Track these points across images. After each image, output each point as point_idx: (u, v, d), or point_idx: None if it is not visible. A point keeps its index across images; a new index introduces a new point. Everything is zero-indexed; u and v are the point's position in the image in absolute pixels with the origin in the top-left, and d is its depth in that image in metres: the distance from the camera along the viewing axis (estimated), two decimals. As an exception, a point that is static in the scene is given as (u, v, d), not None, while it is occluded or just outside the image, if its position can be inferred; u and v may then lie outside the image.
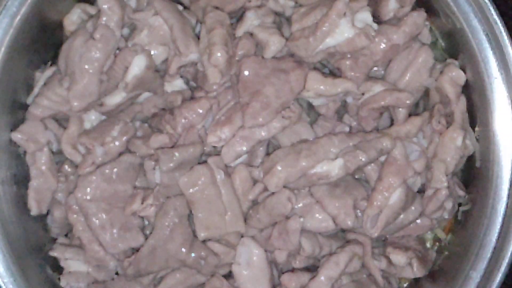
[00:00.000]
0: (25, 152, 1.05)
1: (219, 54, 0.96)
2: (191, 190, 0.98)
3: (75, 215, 1.02)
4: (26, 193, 1.04)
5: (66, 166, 1.05)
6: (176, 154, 0.97)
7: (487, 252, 0.98)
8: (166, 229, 0.98)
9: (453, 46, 1.06)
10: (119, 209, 1.01)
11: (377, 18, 1.02)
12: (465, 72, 1.03)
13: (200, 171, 0.98)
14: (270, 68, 0.98)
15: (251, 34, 1.02)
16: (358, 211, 1.00)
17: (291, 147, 0.98)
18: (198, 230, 0.98)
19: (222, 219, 0.98)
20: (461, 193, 1.06)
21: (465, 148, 1.03)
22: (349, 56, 1.01)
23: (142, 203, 1.00)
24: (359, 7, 0.99)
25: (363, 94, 1.03)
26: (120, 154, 1.02)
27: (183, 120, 1.00)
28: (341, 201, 0.98)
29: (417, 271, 1.04)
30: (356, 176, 1.04)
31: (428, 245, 1.12)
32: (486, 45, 0.98)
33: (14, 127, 1.03)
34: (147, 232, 1.04)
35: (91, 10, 1.07)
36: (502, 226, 0.98)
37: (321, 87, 0.99)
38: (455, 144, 1.01)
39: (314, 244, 0.99)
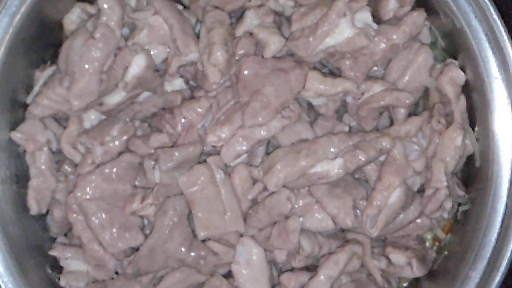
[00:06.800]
0: (24, 152, 1.05)
1: (219, 54, 0.96)
2: (190, 190, 0.98)
3: (74, 215, 1.02)
4: (26, 193, 1.04)
5: (66, 166, 1.05)
6: (176, 153, 0.97)
7: (487, 252, 0.98)
8: (166, 228, 0.98)
9: (453, 46, 1.06)
10: (119, 208, 1.01)
11: (377, 18, 1.02)
12: (465, 72, 1.03)
13: (200, 170, 0.98)
14: (269, 68, 0.98)
15: (251, 34, 1.02)
16: (358, 210, 1.00)
17: (290, 146, 0.98)
18: (197, 229, 0.98)
19: (221, 219, 0.98)
20: (461, 193, 1.06)
21: (464, 148, 1.03)
22: (348, 56, 1.01)
23: (141, 203, 1.00)
24: (359, 7, 0.99)
25: (362, 93, 1.03)
26: (120, 153, 1.02)
27: (182, 120, 1.00)
28: (341, 200, 0.98)
29: (416, 270, 1.04)
30: (356, 176, 1.04)
31: (427, 245, 1.12)
32: (486, 45, 0.98)
33: (13, 126, 1.03)
34: (147, 231, 1.03)
35: (91, 9, 1.08)
36: (501, 226, 0.98)
37: (321, 86, 0.99)
38: (454, 144, 1.01)
39: (313, 243, 0.99)
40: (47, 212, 1.07)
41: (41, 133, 1.03)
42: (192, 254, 0.99)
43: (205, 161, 0.99)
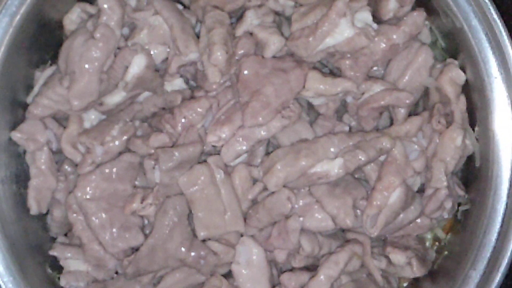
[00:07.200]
0: (24, 151, 1.05)
1: (219, 54, 0.96)
2: (190, 190, 0.98)
3: (74, 214, 1.02)
4: (26, 192, 1.04)
5: (66, 166, 1.05)
6: (176, 153, 0.97)
7: (487, 252, 0.98)
8: (166, 228, 0.98)
9: (453, 46, 1.06)
10: (119, 208, 1.01)
11: (377, 18, 1.02)
12: (465, 72, 1.03)
13: (200, 170, 0.98)
14: (270, 68, 0.99)
15: (251, 34, 1.02)
16: (358, 210, 1.00)
17: (290, 146, 0.98)
18: (197, 229, 0.98)
19: (221, 219, 0.98)
20: (461, 192, 1.06)
21: (464, 148, 1.03)
22: (349, 55, 1.01)
23: (141, 203, 1.00)
24: (359, 6, 0.99)
25: (362, 93, 1.03)
26: (120, 153, 1.02)
27: (183, 120, 1.00)
28: (341, 200, 0.98)
29: (416, 270, 1.04)
30: (356, 176, 1.04)
31: (427, 244, 1.12)
32: (486, 45, 0.98)
33: (14, 126, 1.03)
34: (147, 231, 1.03)
35: (91, 9, 1.07)
36: (501, 225, 0.98)
37: (321, 86, 0.99)
38: (454, 143, 1.01)
39: (313, 243, 0.99)
40: (47, 212, 1.07)
41: (41, 133, 1.03)
42: (192, 254, 0.99)
43: (205, 161, 0.99)
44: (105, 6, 0.98)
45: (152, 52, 1.02)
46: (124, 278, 1.03)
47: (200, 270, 1.00)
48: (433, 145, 1.03)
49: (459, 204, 1.07)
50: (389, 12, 1.03)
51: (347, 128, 1.05)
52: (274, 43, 0.99)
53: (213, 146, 1.00)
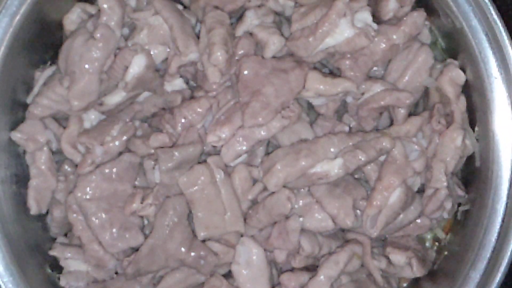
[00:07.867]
0: (24, 152, 1.05)
1: (219, 54, 0.96)
2: (190, 190, 0.98)
3: (74, 215, 1.02)
4: (26, 193, 1.04)
5: (66, 166, 1.05)
6: (176, 153, 0.97)
7: (487, 252, 0.98)
8: (166, 228, 0.98)
9: (453, 46, 1.06)
10: (119, 208, 1.01)
11: (377, 18, 1.02)
12: (464, 72, 1.03)
13: (200, 170, 0.98)
14: (270, 68, 0.99)
15: (251, 34, 1.02)
16: (358, 210, 1.00)
17: (290, 146, 0.98)
18: (197, 229, 0.98)
19: (221, 219, 0.98)
20: (461, 193, 1.06)
21: (464, 148, 1.03)
22: (349, 56, 1.01)
23: (141, 203, 1.00)
24: (359, 7, 0.99)
25: (362, 94, 1.03)
26: (120, 153, 1.02)
27: (183, 120, 1.00)
28: (341, 200, 0.98)
29: (416, 271, 1.04)
30: (356, 176, 1.04)
31: (427, 245, 1.12)
32: (486, 45, 0.98)
33: (13, 126, 1.03)
34: (147, 231, 1.04)
35: (91, 9, 1.07)
36: (501, 226, 0.98)
37: (321, 86, 0.99)
38: (454, 144, 1.01)
39: (313, 243, 0.99)
40: (47, 212, 1.07)
41: (41, 133, 1.03)
42: (192, 254, 0.99)
43: (205, 161, 0.99)
44: (105, 6, 0.98)
45: (152, 52, 1.02)
46: (124, 278, 1.03)
47: (200, 270, 1.00)
48: (433, 145, 1.03)
49: (459, 204, 1.07)
50: (389, 12, 1.03)
51: (347, 128, 1.05)
52: (274, 43, 0.99)
53: (213, 146, 1.00)
